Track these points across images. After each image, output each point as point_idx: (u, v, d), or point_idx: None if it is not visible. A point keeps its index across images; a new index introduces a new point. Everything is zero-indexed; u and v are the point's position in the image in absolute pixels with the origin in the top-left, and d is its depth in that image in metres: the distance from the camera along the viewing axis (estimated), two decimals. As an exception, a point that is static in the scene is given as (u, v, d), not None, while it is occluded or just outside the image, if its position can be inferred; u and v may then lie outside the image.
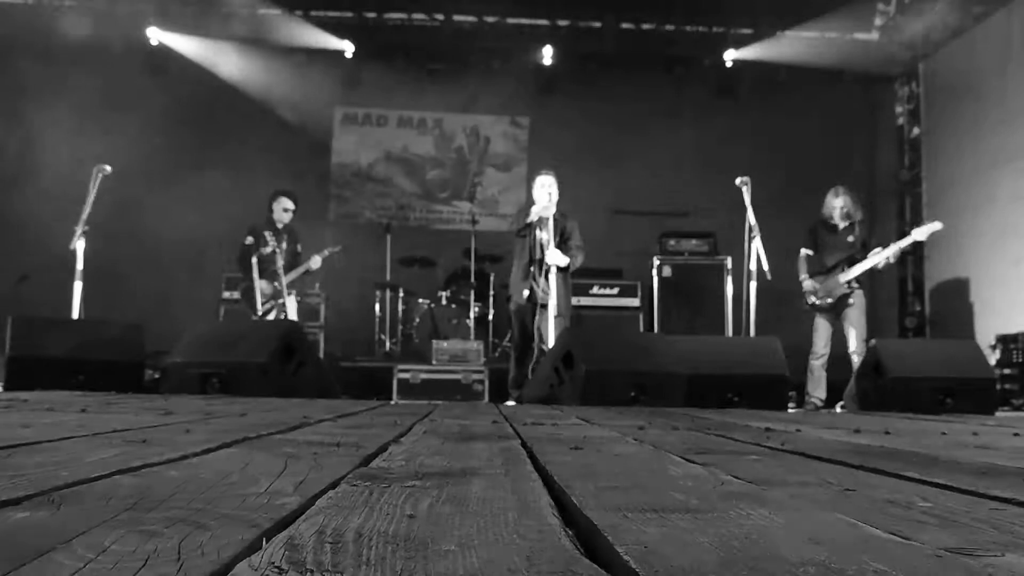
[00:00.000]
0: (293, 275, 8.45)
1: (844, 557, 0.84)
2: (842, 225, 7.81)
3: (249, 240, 8.28)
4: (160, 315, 8.77)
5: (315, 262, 8.55)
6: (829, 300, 7.67)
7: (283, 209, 8.59)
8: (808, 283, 7.76)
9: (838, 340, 7.70)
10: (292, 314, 8.45)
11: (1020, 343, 8.45)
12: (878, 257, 7.62)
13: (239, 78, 11.27)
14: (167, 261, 10.45)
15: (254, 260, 8.19)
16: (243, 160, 10.84)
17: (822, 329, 7.73)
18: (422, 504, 1.12)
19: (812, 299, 7.75)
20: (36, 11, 11.06)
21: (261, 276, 8.25)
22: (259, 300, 8.19)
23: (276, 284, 8.31)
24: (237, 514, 1.02)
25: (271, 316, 8.21)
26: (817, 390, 7.68)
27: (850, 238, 7.78)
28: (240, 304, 8.68)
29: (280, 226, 8.56)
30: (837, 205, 7.82)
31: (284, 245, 8.49)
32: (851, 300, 7.64)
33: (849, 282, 7.62)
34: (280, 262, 8.22)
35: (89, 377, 6.38)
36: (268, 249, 8.19)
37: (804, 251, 7.89)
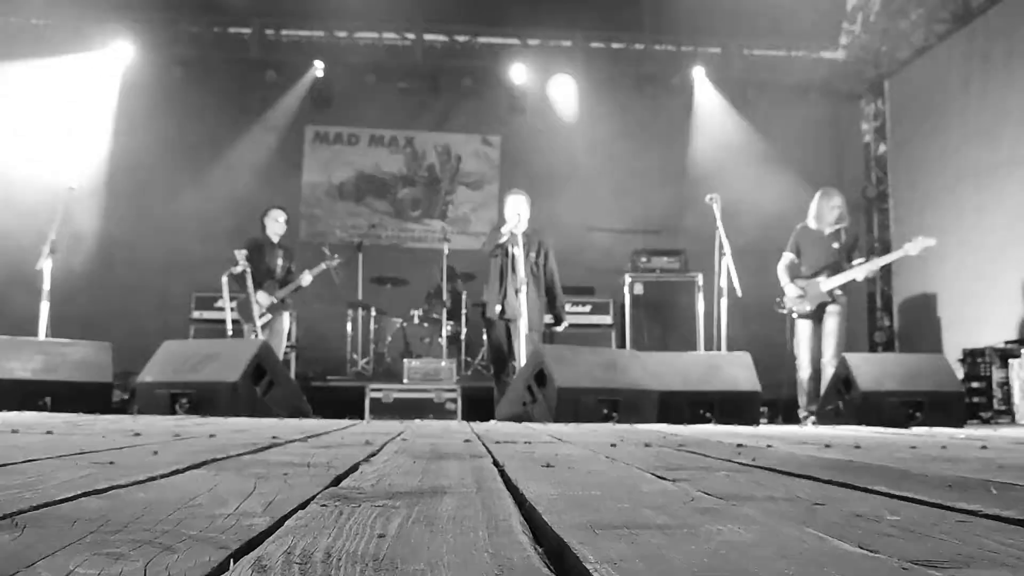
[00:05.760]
0: (284, 292, 8.46)
1: (811, 571, 0.85)
2: (828, 231, 7.62)
3: (242, 254, 8.23)
4: (129, 335, 8.67)
5: (305, 279, 8.56)
6: (808, 308, 7.50)
7: (275, 220, 8.62)
8: (790, 288, 7.57)
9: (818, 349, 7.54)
10: (286, 329, 8.62)
11: (987, 357, 8.54)
12: (863, 269, 7.46)
13: (207, 97, 11.21)
14: (136, 280, 10.35)
15: (248, 275, 8.16)
16: (212, 179, 10.80)
17: (804, 339, 7.54)
18: (392, 523, 1.12)
19: (791, 305, 7.58)
20: (3, 30, 10.96)
21: (256, 289, 8.25)
22: (256, 313, 8.17)
23: (273, 297, 8.36)
24: (204, 536, 1.01)
25: (260, 331, 8.18)
26: (810, 404, 7.47)
27: (835, 244, 7.58)
28: (220, 323, 8.66)
29: (276, 240, 8.58)
30: (835, 205, 7.60)
31: (280, 261, 8.53)
32: (831, 309, 7.48)
33: (831, 291, 7.48)
34: (250, 281, 8.19)
35: (56, 398, 6.31)
36: (239, 268, 8.15)
37: (788, 255, 7.68)
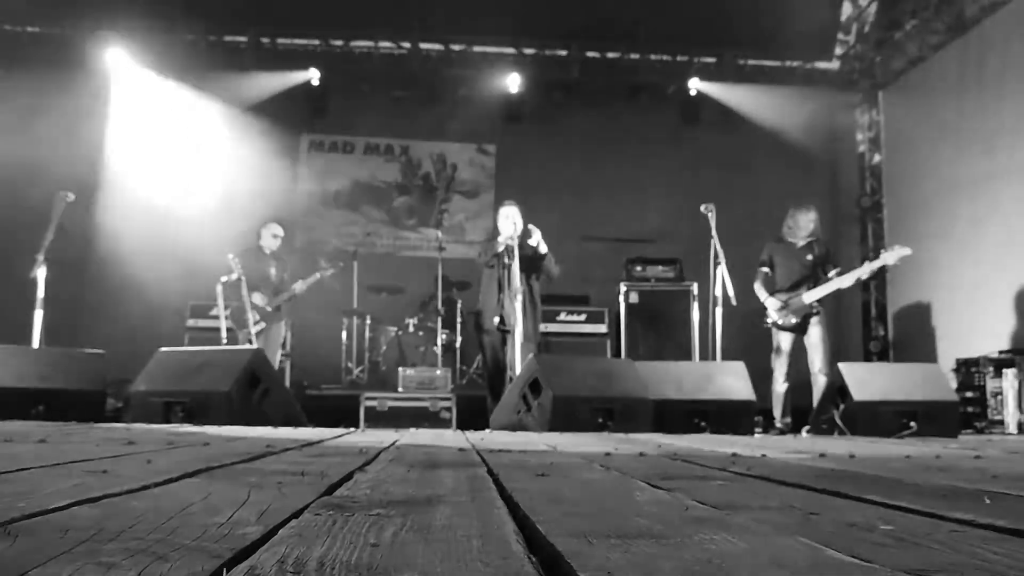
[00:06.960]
0: (278, 300, 8.46)
1: (805, 580, 0.85)
2: (802, 243, 7.78)
3: (236, 261, 8.20)
4: (123, 343, 8.64)
5: (299, 287, 8.56)
6: (792, 320, 7.62)
7: (272, 235, 8.64)
8: (771, 301, 7.69)
9: (800, 362, 7.65)
10: (280, 337, 8.65)
11: (981, 366, 8.55)
12: (848, 277, 7.57)
13: (205, 104, 11.20)
14: (130, 288, 10.32)
15: (243, 282, 8.14)
16: (207, 188, 10.78)
17: (785, 352, 7.66)
18: (386, 532, 1.12)
19: (774, 318, 7.69)
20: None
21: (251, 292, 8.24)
22: (251, 320, 8.15)
23: (267, 299, 8.34)
24: (198, 545, 1.00)
25: (255, 339, 8.15)
26: (785, 415, 7.64)
27: (809, 257, 7.73)
28: (211, 331, 8.64)
29: (268, 252, 8.57)
30: (811, 219, 7.77)
31: (273, 271, 8.54)
32: (815, 320, 7.60)
33: (812, 303, 7.60)
34: (245, 288, 8.17)
35: (49, 407, 6.27)
36: (233, 276, 8.13)
37: (763, 269, 7.83)
